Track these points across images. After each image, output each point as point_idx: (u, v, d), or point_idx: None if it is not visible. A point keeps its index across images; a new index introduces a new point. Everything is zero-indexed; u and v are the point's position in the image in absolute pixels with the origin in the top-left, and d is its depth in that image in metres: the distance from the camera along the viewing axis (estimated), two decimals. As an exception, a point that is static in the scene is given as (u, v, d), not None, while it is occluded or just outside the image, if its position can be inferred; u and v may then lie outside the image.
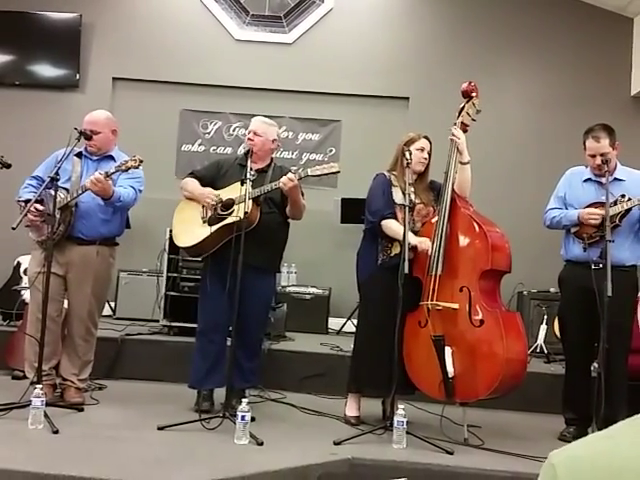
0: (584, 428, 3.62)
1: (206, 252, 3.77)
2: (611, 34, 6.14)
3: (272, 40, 6.30)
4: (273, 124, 3.97)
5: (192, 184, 3.85)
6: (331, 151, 6.28)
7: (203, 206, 3.77)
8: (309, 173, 3.62)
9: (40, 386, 3.25)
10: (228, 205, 3.69)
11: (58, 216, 3.56)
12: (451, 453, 3.21)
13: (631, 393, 3.53)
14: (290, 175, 3.57)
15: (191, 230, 3.76)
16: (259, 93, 6.22)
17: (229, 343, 3.68)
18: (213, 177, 3.88)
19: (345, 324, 5.63)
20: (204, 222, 3.73)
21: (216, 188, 3.82)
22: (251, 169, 3.57)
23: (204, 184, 3.85)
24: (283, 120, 6.18)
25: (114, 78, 6.29)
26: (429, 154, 3.72)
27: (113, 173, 3.57)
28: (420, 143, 3.70)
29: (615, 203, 3.52)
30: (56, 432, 3.11)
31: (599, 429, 3.20)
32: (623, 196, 3.54)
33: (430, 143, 3.74)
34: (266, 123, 3.93)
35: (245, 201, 3.50)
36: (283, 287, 5.69)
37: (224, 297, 3.59)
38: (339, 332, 5.62)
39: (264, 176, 3.78)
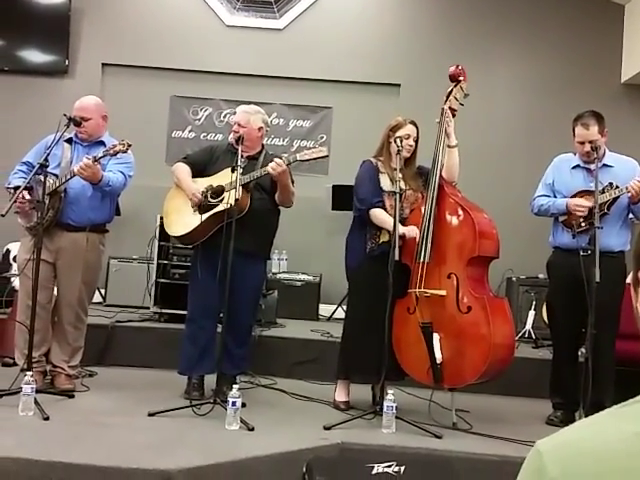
0: (571, 412, 3.65)
1: (198, 240, 3.76)
2: (602, 21, 6.13)
3: (263, 26, 6.25)
4: (258, 111, 3.91)
5: (182, 171, 3.82)
6: (322, 138, 6.26)
7: None
8: (298, 158, 3.62)
9: (30, 373, 3.25)
10: (218, 192, 3.69)
11: (47, 202, 3.55)
12: (440, 437, 3.24)
13: (619, 378, 3.56)
14: (278, 160, 3.57)
15: (182, 218, 3.76)
16: (250, 79, 6.19)
17: (219, 329, 3.69)
18: (205, 163, 3.87)
19: (336, 311, 5.64)
20: (195, 211, 3.72)
21: (208, 174, 3.81)
22: (242, 156, 3.57)
23: (196, 169, 3.83)
24: (274, 107, 6.15)
25: (104, 64, 6.24)
26: (416, 140, 3.70)
27: (101, 157, 3.56)
28: (406, 130, 3.66)
29: (603, 191, 3.51)
30: (47, 419, 3.11)
31: (586, 414, 3.25)
32: (611, 184, 3.54)
33: (417, 128, 3.70)
34: (248, 112, 3.87)
35: (236, 188, 3.48)
36: (274, 274, 5.69)
37: (214, 284, 3.59)
38: (330, 318, 5.64)
39: (255, 163, 3.77)
